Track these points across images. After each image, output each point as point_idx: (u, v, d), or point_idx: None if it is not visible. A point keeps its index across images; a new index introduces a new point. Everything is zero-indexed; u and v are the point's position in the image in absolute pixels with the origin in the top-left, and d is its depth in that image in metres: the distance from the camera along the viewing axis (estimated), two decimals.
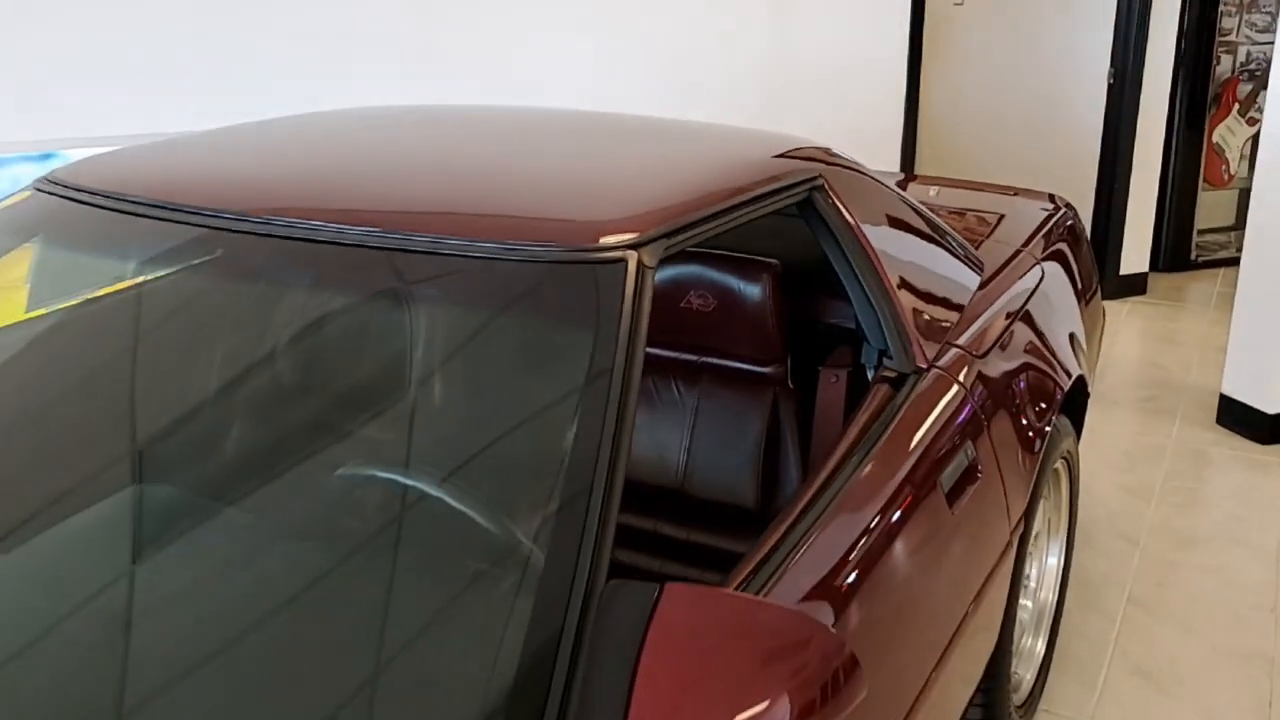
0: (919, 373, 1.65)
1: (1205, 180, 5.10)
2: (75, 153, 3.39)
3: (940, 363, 1.70)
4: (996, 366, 1.81)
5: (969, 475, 1.61)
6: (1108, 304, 4.76)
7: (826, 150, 1.75)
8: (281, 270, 1.33)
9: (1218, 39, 4.85)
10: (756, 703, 0.92)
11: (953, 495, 1.55)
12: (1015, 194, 2.82)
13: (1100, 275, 4.55)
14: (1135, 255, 4.76)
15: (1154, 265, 5.05)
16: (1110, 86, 4.62)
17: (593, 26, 3.75)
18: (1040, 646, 2.22)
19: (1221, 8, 4.83)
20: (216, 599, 1.06)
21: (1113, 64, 4.60)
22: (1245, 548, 2.84)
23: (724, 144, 1.65)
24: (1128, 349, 4.25)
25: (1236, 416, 3.47)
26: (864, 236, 1.66)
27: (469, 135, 1.67)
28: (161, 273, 1.42)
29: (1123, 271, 4.76)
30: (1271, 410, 3.37)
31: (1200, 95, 4.92)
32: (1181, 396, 3.80)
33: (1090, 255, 2.66)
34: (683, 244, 1.31)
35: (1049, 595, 2.25)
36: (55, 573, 1.11)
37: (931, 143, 5.59)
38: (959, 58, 5.56)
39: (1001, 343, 1.88)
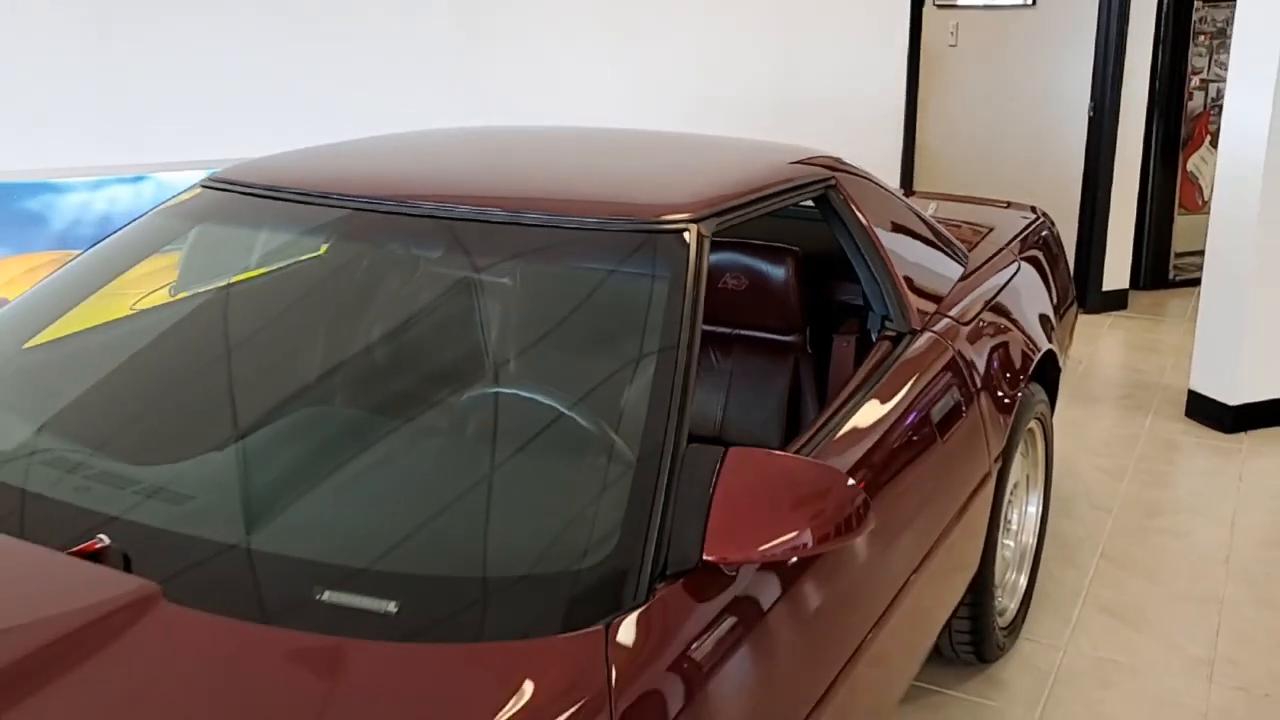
0: (913, 333, 2.05)
1: (1181, 206, 5.52)
2: (164, 175, 3.83)
3: (931, 327, 2.10)
4: (976, 333, 2.21)
5: (955, 413, 2.00)
6: (1092, 318, 5.17)
7: (838, 159, 2.16)
8: (419, 240, 1.73)
9: (1189, 77, 5.29)
10: (788, 533, 1.30)
11: (941, 427, 1.95)
12: (1007, 206, 3.22)
13: (1084, 290, 4.96)
14: (1116, 273, 5.18)
15: (1135, 284, 5.46)
16: (1090, 119, 5.06)
17: (625, 58, 4.20)
18: (1022, 581, 2.61)
19: (1192, 48, 5.27)
20: (412, 454, 1.46)
21: (1092, 99, 5.04)
22: (1204, 515, 3.22)
23: (754, 152, 2.06)
24: (1110, 356, 4.65)
25: (1202, 409, 3.87)
26: (870, 225, 2.07)
27: (552, 145, 2.08)
28: (315, 241, 1.83)
29: (1105, 288, 5.17)
30: (1232, 402, 3.76)
31: (1175, 129, 5.35)
32: (1156, 395, 4.19)
33: (1063, 255, 3.06)
34: (726, 223, 1.71)
35: (1029, 539, 2.63)
36: (289, 433, 1.51)
37: (929, 168, 6.05)
38: (954, 91, 6.02)
39: (981, 316, 2.28)
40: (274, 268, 1.84)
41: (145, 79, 3.83)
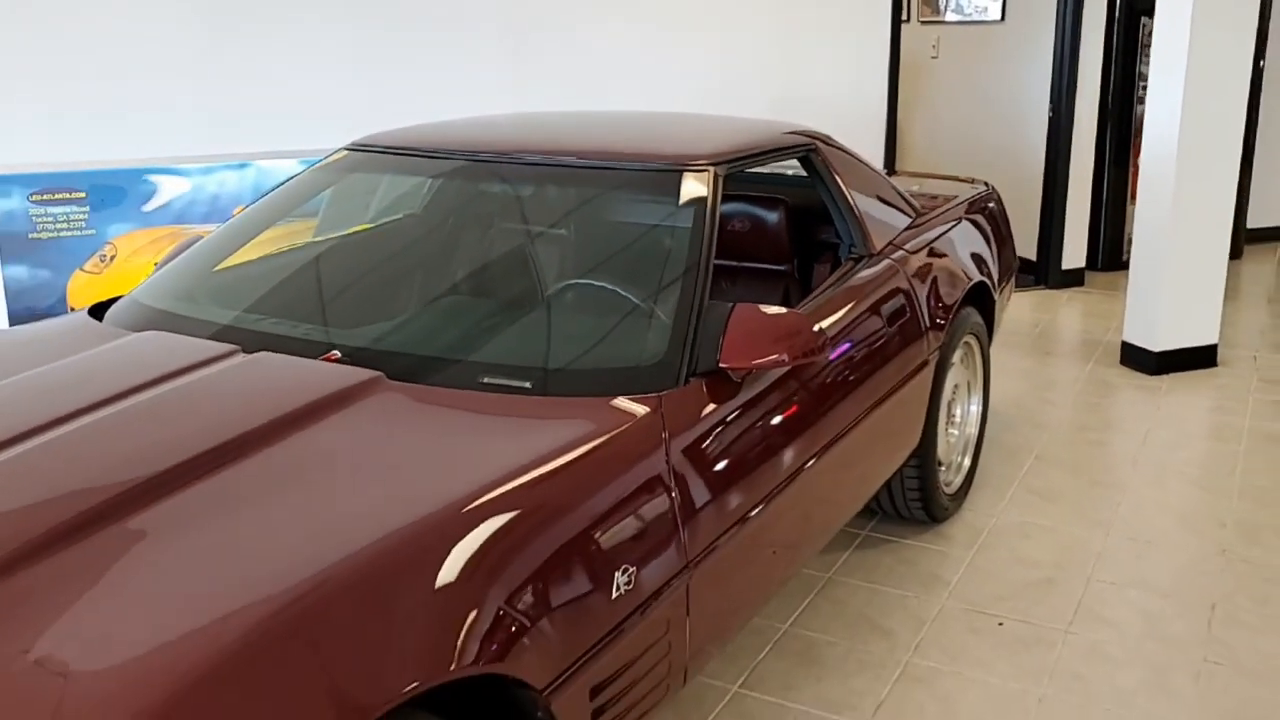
0: (871, 256, 2.79)
1: (1134, 197, 6.25)
2: (263, 162, 4.59)
3: (886, 255, 2.84)
4: (920, 260, 2.95)
5: (900, 312, 2.74)
6: (1052, 292, 5.91)
7: (820, 133, 2.90)
8: (515, 181, 2.48)
9: (1138, 84, 6.03)
10: (772, 354, 2.03)
11: (889, 320, 2.69)
12: (970, 182, 3.96)
13: (1046, 268, 5.70)
14: (1074, 253, 5.92)
15: (1093, 265, 6.21)
16: (1050, 120, 5.81)
17: (640, 69, 4.98)
18: (966, 462, 3.34)
19: (1141, 58, 6.01)
20: (533, 309, 2.20)
21: (1051, 102, 5.79)
22: (1123, 432, 3.95)
23: (755, 124, 2.81)
24: (1064, 321, 5.39)
25: (1133, 357, 4.60)
26: (841, 179, 2.81)
27: (604, 119, 2.83)
28: (438, 183, 2.58)
29: (1064, 267, 5.91)
30: (1156, 349, 4.50)
31: (1126, 128, 6.09)
32: (1098, 348, 4.93)
33: (1004, 217, 3.79)
34: (735, 168, 2.45)
35: (972, 430, 3.37)
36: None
37: (915, 161, 6.83)
38: (936, 96, 6.80)
39: (925, 250, 3.02)
40: (406, 203, 2.60)
41: (248, 82, 4.63)
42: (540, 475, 1.64)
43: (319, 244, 2.63)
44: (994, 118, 6.36)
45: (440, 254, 2.45)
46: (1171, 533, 3.18)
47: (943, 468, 3.20)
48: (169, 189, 4.47)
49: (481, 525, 1.52)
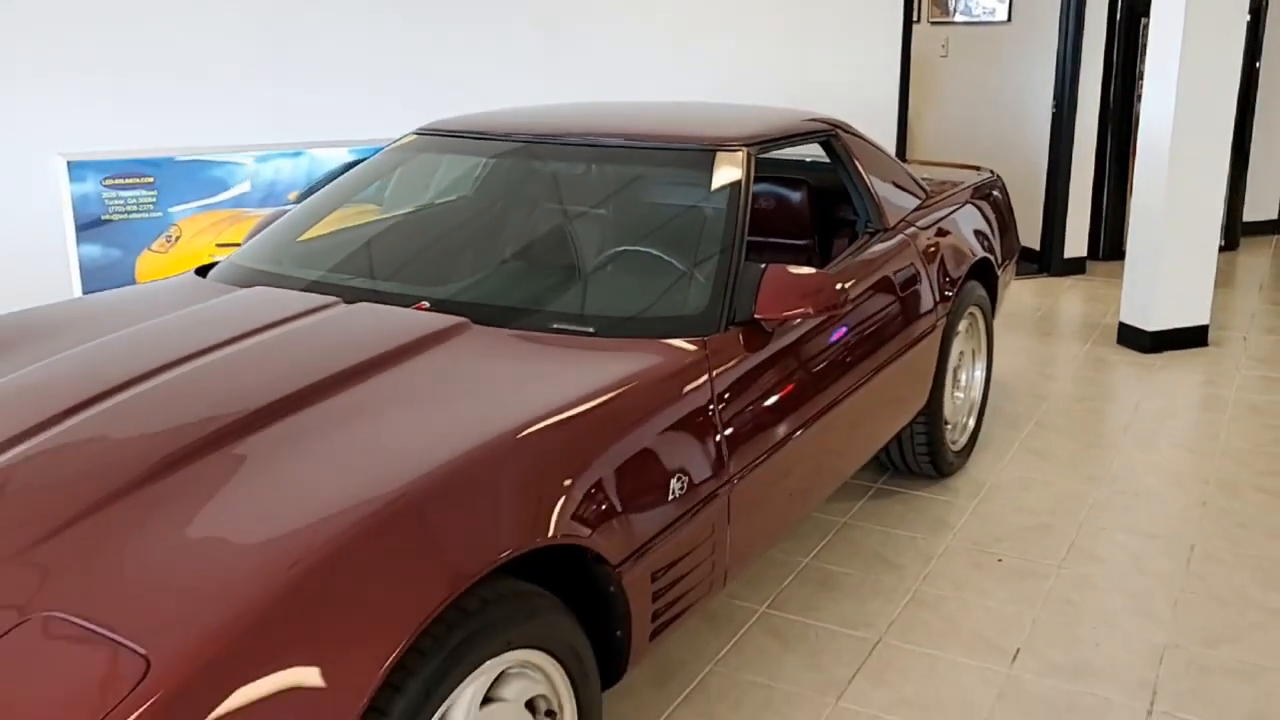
0: (885, 231, 3.10)
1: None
2: (316, 151, 4.92)
3: (898, 230, 3.15)
4: (929, 235, 3.26)
5: (911, 281, 3.06)
6: (1055, 279, 6.22)
7: (841, 121, 3.22)
8: (568, 159, 2.80)
9: (1138, 82, 6.33)
10: (799, 307, 2.35)
11: (901, 288, 3.00)
12: (977, 170, 4.27)
13: (1049, 257, 6.00)
14: (1075, 243, 6.23)
15: (1094, 255, 6.51)
16: (1053, 116, 6.12)
17: (668, 66, 5.30)
18: (971, 423, 3.66)
19: (1140, 58, 6.31)
20: (592, 268, 2.52)
21: (1054, 99, 6.09)
22: (1117, 403, 4.26)
23: (780, 112, 3.12)
24: (1065, 306, 5.69)
25: (1129, 336, 4.91)
26: (858, 161, 3.13)
27: (645, 107, 3.15)
28: (504, 163, 2.89)
29: (1066, 255, 6.22)
30: (1150, 329, 4.80)
31: (1127, 125, 6.39)
32: (1096, 329, 5.23)
33: (1007, 202, 4.10)
34: (764, 150, 2.76)
35: (976, 394, 3.68)
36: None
37: (922, 153, 7.14)
38: (944, 91, 7.11)
39: (933, 227, 3.33)
40: (472, 179, 2.92)
41: (302, 76, 4.98)
42: (610, 395, 1.97)
43: (395, 215, 2.96)
44: (1000, 114, 6.68)
45: (509, 222, 2.77)
46: (1158, 487, 3.49)
47: (949, 426, 3.51)
48: (230, 175, 4.79)
49: (563, 430, 1.84)
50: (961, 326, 3.49)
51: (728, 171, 2.61)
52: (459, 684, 1.57)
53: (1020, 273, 6.32)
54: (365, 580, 1.47)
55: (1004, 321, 5.41)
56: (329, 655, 1.40)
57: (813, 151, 3.79)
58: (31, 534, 1.58)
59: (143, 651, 1.34)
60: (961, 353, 3.55)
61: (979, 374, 3.70)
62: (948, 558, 3.04)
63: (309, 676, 1.37)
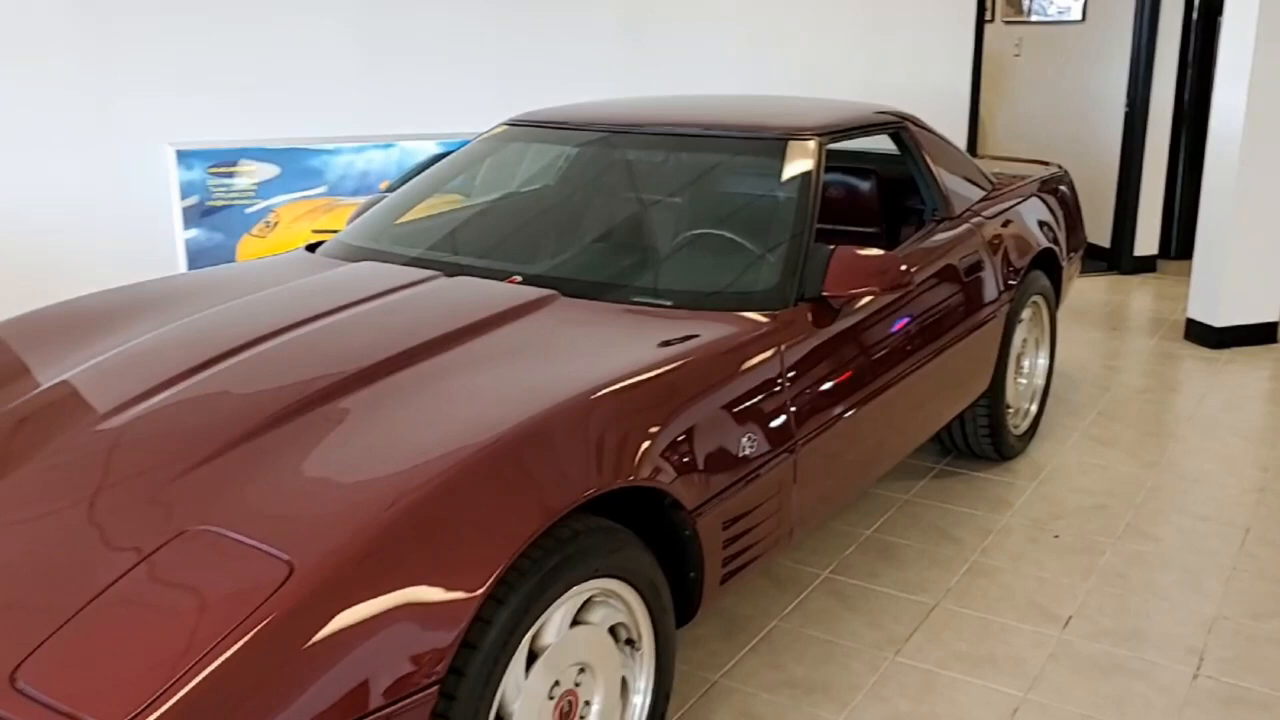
0: (952, 219, 3.24)
1: None
2: (406, 143, 5.16)
3: (963, 218, 3.29)
4: (995, 225, 3.40)
5: (976, 267, 3.19)
6: (1125, 277, 6.27)
7: (911, 114, 3.36)
8: (649, 148, 2.99)
9: (1213, 82, 6.34)
10: (866, 285, 2.50)
11: (966, 273, 3.14)
12: (1045, 165, 4.38)
13: (1119, 255, 6.06)
14: (1146, 241, 6.27)
15: (1165, 253, 6.54)
16: (1126, 114, 6.17)
17: (747, 59, 5.47)
18: (1033, 409, 3.77)
19: (1216, 57, 6.32)
20: (673, 247, 2.71)
21: (1128, 98, 6.14)
22: (1181, 395, 4.34)
23: (851, 104, 3.28)
24: (1134, 302, 5.75)
25: (1196, 332, 4.97)
26: (926, 152, 3.27)
27: (724, 100, 3.32)
28: (590, 151, 3.09)
29: (1137, 253, 6.26)
30: (1218, 325, 4.86)
31: (1201, 123, 6.41)
32: (1164, 325, 5.29)
33: (1074, 197, 4.20)
34: (835, 139, 2.92)
35: (1039, 381, 3.80)
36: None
37: (994, 150, 7.21)
38: (1015, 91, 7.18)
39: (999, 217, 3.46)
40: (559, 167, 3.13)
41: (393, 72, 5.24)
42: (686, 358, 2.15)
43: (488, 199, 3.17)
44: (1072, 113, 6.73)
45: (593, 205, 2.96)
46: (1216, 474, 3.58)
47: (1011, 411, 3.64)
48: (325, 165, 5.06)
49: (643, 387, 2.02)
50: (1025, 315, 3.61)
51: (800, 159, 2.77)
52: (552, 603, 1.76)
53: (1089, 270, 6.38)
54: (473, 507, 1.67)
55: (1071, 316, 5.49)
56: (444, 568, 1.60)
57: (882, 145, 3.94)
58: (182, 465, 1.81)
59: (286, 558, 1.55)
60: (1025, 340, 3.67)
61: (1042, 361, 3.81)
62: (1005, 533, 3.17)
63: (427, 586, 1.57)
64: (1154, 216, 6.28)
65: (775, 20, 5.58)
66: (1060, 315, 5.48)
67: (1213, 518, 3.27)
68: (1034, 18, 7.08)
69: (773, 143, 2.83)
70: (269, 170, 4.92)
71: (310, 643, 1.47)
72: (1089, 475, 3.57)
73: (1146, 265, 6.32)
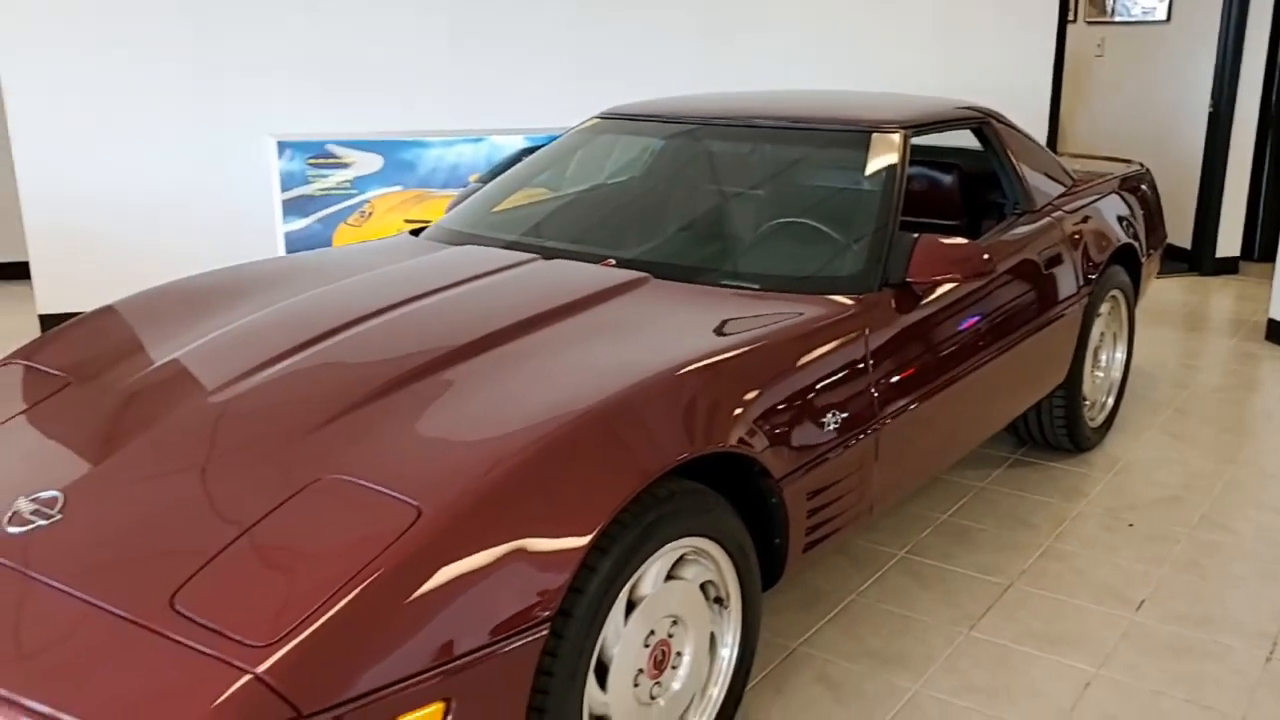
0: (1033, 212, 3.31)
1: None
2: (495, 138, 5.33)
3: (1044, 212, 3.36)
4: (1075, 219, 3.45)
5: (1055, 260, 3.26)
6: (1206, 279, 6.24)
7: (993, 110, 3.44)
8: (737, 139, 3.10)
9: None
10: (948, 272, 2.60)
11: (1046, 265, 3.21)
12: (1128, 162, 4.41)
13: (1201, 256, 6.04)
14: (1229, 242, 6.23)
15: (1248, 255, 6.48)
16: (1210, 114, 6.13)
17: (826, 58, 5.56)
18: (1110, 402, 3.82)
19: None
20: (760, 233, 2.83)
21: (1213, 98, 6.11)
22: (1258, 394, 4.34)
23: (934, 100, 3.36)
24: (1215, 302, 5.72)
25: (1277, 332, 4.95)
26: (1008, 147, 3.34)
27: (809, 94, 3.43)
28: (681, 143, 3.21)
29: (1219, 255, 6.23)
30: None
31: None
32: (1245, 326, 5.27)
33: (1154, 193, 4.23)
34: (918, 132, 3.01)
35: (1116, 375, 3.84)
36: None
37: (1075, 149, 7.20)
38: (1098, 91, 7.16)
39: (1079, 211, 3.51)
40: (651, 157, 3.26)
41: (482, 69, 5.41)
42: (774, 336, 2.26)
43: (580, 188, 3.31)
44: (1154, 112, 6.70)
45: (684, 194, 3.09)
46: None
47: (1088, 404, 3.69)
48: (417, 158, 5.24)
49: (734, 362, 2.14)
50: (1103, 309, 3.66)
51: (885, 150, 2.87)
52: (649, 557, 1.89)
53: (1170, 271, 6.35)
54: (577, 467, 1.80)
55: (1151, 316, 5.49)
56: (555, 519, 1.73)
57: (965, 141, 4.01)
58: (309, 424, 1.97)
59: (415, 503, 1.70)
60: (1102, 334, 3.72)
61: (1119, 356, 3.86)
62: (1080, 520, 3.23)
63: (540, 534, 1.71)
64: (1237, 218, 6.24)
65: (853, 20, 5.66)
66: (1140, 315, 5.48)
67: None
68: (1117, 18, 7.05)
69: (859, 135, 2.93)
70: (365, 162, 5.12)
71: (436, 579, 1.61)
72: (1164, 469, 3.61)
73: (1229, 267, 6.29)
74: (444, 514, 1.68)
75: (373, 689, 1.54)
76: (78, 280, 5.21)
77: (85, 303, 5.16)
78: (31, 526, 1.84)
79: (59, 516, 1.85)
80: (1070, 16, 7.44)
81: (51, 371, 2.36)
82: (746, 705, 2.34)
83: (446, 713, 1.61)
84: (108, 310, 2.66)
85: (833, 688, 2.42)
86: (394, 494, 1.73)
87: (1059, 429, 3.58)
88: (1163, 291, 5.99)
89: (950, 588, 2.85)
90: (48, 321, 5.20)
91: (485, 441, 1.83)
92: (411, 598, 1.59)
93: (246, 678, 1.49)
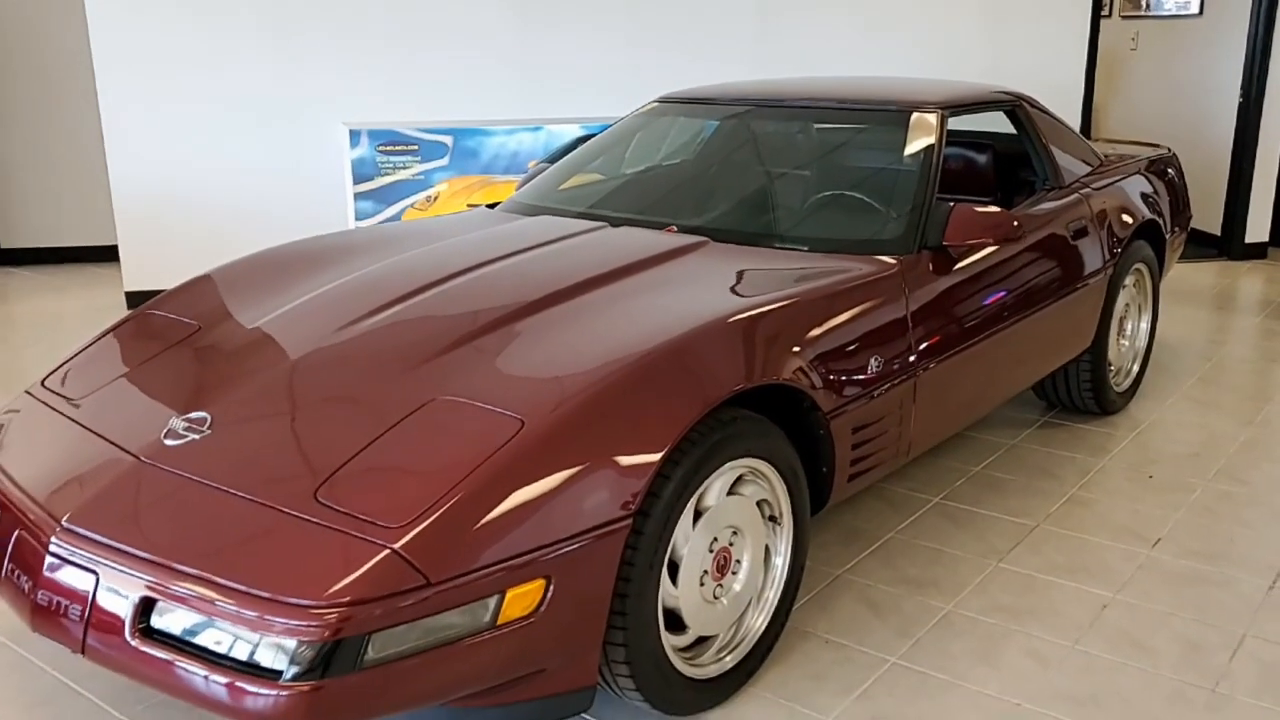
0: (1061, 188, 3.57)
1: None
2: (552, 126, 5.62)
3: (1073, 188, 3.61)
4: (1102, 195, 3.70)
5: (1082, 232, 3.51)
6: (1235, 263, 6.43)
7: (1026, 95, 3.69)
8: (789, 119, 3.38)
9: None
10: (982, 236, 2.86)
11: (1071, 237, 3.46)
12: (1156, 146, 4.64)
13: (1230, 241, 6.24)
14: (1258, 228, 6.43)
15: (1277, 241, 6.67)
16: (1240, 105, 6.33)
17: (869, 53, 5.82)
18: (1135, 369, 4.07)
19: None
20: (806, 202, 3.12)
21: (1242, 89, 6.31)
22: (1277, 363, 4.57)
23: (971, 84, 3.62)
24: (1243, 286, 5.93)
25: None
26: (1039, 128, 3.60)
27: (855, 79, 3.70)
28: (737, 122, 3.50)
29: (1248, 240, 6.42)
30: None
31: None
32: (1272, 306, 5.48)
33: (1179, 176, 4.46)
34: (955, 113, 3.28)
35: (1140, 344, 4.09)
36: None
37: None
38: (1132, 82, 7.36)
39: (1105, 188, 3.76)
40: (708, 136, 3.55)
41: (542, 60, 5.73)
42: (823, 289, 2.54)
43: (642, 165, 3.61)
44: (1186, 103, 6.90)
45: (738, 170, 3.38)
46: None
47: (1113, 370, 3.93)
48: (480, 145, 5.55)
49: (787, 310, 2.42)
50: (1129, 281, 3.91)
51: (924, 127, 3.14)
52: (714, 472, 2.18)
53: (1201, 256, 6.55)
54: (653, 392, 2.10)
55: (1180, 297, 5.70)
56: (635, 433, 2.03)
57: (999, 125, 4.26)
58: (419, 357, 2.27)
59: (518, 417, 2.00)
60: (1127, 305, 3.96)
61: (1144, 325, 4.10)
62: (1103, 473, 3.48)
63: (622, 446, 2.00)
64: (1266, 205, 6.43)
65: (894, 11, 5.92)
66: (1169, 296, 5.69)
67: None
68: (1151, 12, 7.25)
69: (900, 114, 3.20)
70: (431, 149, 5.44)
71: (537, 478, 1.91)
72: (1185, 429, 3.85)
73: (1257, 252, 6.48)
74: (543, 425, 1.98)
75: (487, 564, 1.84)
76: (161, 260, 5.57)
77: (168, 281, 5.52)
78: (186, 440, 2.15)
79: (209, 432, 2.16)
80: (1105, 11, 7.64)
81: (184, 319, 2.68)
82: (795, 620, 2.62)
83: (547, 589, 1.91)
84: (219, 271, 2.97)
85: (873, 606, 2.70)
86: (500, 410, 2.03)
87: (1085, 392, 3.83)
88: (1193, 275, 6.20)
89: (981, 528, 3.11)
90: (133, 298, 5.57)
91: (574, 370, 2.13)
92: (517, 492, 1.89)
93: (385, 552, 1.80)
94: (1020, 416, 3.99)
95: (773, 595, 2.41)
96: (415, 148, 5.47)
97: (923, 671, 2.43)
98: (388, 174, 5.45)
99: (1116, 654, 2.49)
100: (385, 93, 5.66)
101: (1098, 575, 2.84)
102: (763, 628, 2.38)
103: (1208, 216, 6.67)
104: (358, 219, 5.44)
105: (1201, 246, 6.67)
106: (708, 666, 2.28)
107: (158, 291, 5.53)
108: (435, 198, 5.54)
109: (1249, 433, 3.82)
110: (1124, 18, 7.53)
